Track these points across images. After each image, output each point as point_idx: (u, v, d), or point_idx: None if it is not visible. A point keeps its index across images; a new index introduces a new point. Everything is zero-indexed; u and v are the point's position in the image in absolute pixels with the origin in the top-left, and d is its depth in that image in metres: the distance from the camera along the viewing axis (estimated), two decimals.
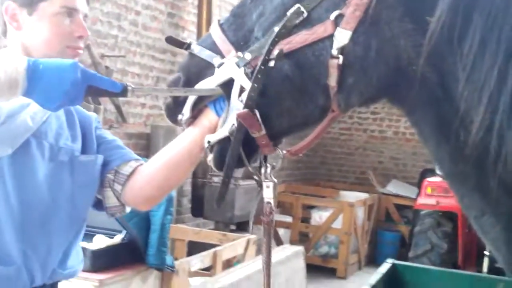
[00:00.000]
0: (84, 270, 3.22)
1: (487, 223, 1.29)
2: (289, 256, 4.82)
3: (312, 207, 8.54)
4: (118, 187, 1.79)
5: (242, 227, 6.66)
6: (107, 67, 5.51)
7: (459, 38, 1.16)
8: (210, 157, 1.43)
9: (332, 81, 1.26)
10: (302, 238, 8.13)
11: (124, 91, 1.38)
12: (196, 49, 1.40)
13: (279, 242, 7.31)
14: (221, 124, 1.41)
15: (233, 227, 6.56)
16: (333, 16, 1.26)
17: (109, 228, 3.50)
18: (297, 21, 1.28)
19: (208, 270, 4.48)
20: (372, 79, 1.26)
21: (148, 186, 1.75)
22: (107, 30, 5.75)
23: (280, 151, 1.41)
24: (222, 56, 1.36)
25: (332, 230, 7.99)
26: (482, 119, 1.14)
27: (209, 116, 1.46)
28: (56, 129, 1.72)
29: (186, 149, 1.61)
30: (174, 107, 1.47)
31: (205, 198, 6.25)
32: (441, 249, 6.41)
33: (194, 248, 5.08)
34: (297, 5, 1.29)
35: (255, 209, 1.54)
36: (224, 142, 1.39)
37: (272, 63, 1.28)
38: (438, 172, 6.98)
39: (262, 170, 1.43)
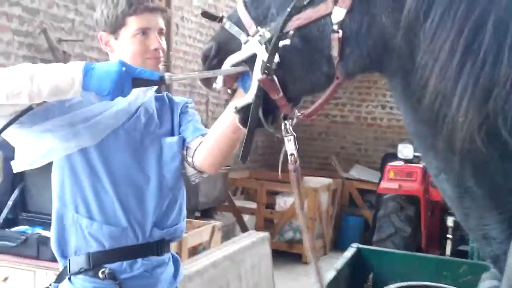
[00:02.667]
0: (46, 259, 3.33)
1: (443, 181, 1.44)
2: (254, 242, 4.81)
3: (276, 193, 8.54)
4: (189, 159, 2.27)
5: (207, 214, 6.61)
6: (64, 52, 5.35)
7: (424, 15, 1.32)
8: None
9: (335, 52, 1.46)
10: (267, 224, 8.13)
11: (162, 79, 1.78)
12: (227, 24, 1.65)
13: (245, 229, 7.30)
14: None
15: (197, 214, 6.50)
16: None
17: None
18: (305, 2, 1.49)
19: None
20: (363, 51, 1.45)
21: (208, 156, 2.22)
22: (63, 13, 5.58)
23: (296, 111, 1.66)
24: (246, 32, 1.61)
25: (297, 216, 7.97)
26: (433, 86, 1.29)
27: (240, 94, 1.73)
28: (145, 121, 2.24)
29: (228, 124, 2.06)
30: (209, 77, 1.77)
31: None
32: (405, 232, 6.47)
33: None
34: None
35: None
36: (248, 106, 1.63)
37: (285, 41, 1.51)
38: (399, 156, 7.07)
39: (283, 126, 1.66)
